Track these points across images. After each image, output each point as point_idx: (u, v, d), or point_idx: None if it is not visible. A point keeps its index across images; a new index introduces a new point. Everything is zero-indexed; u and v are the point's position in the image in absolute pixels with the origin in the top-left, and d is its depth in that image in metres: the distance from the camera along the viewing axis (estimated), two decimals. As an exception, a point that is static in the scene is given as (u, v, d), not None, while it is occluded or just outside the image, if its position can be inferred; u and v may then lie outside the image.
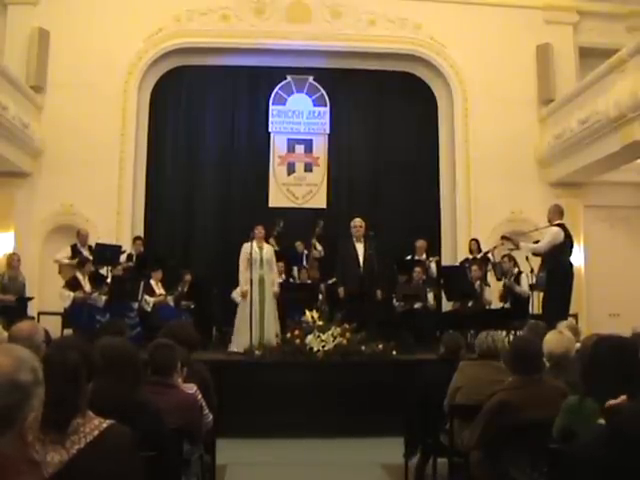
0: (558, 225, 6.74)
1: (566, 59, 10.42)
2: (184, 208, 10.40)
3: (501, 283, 8.31)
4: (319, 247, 9.52)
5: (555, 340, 3.45)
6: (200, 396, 3.26)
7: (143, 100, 10.20)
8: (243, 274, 7.37)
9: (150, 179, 10.25)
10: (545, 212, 7.10)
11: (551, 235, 6.66)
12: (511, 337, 7.34)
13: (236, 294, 7.90)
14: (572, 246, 6.89)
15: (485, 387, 3.40)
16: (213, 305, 8.70)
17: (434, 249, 9.65)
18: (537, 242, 7.16)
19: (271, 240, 8.94)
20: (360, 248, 7.51)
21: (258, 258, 7.35)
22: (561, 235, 6.65)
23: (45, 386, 1.70)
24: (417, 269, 8.62)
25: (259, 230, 7.49)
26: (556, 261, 6.66)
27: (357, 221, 7.67)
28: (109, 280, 8.05)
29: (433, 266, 9.11)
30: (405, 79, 10.76)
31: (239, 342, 7.19)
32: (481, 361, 3.78)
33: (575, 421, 2.46)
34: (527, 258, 7.92)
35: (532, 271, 7.93)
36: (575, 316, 7.97)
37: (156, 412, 2.54)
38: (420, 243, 9.26)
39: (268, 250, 7.54)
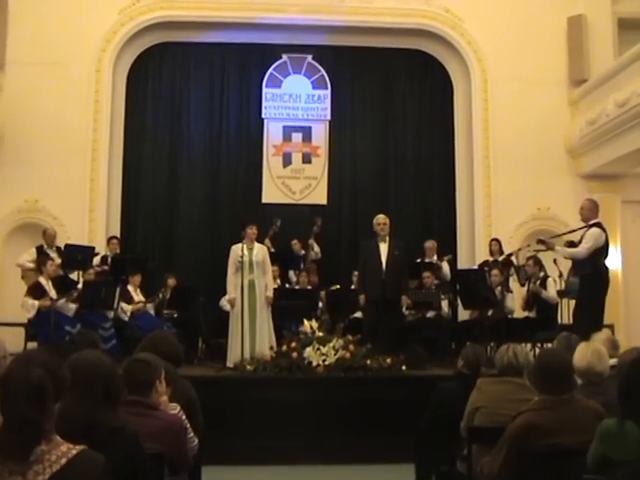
0: (596, 225, 6.69)
1: (602, 33, 10.33)
2: (166, 204, 10.39)
3: (525, 289, 8.29)
4: (316, 248, 9.51)
5: (588, 354, 3.43)
6: (184, 417, 3.25)
7: (119, 81, 10.18)
8: (231, 279, 7.34)
9: (127, 171, 10.24)
10: (576, 208, 7.07)
11: (593, 238, 6.59)
12: (537, 351, 7.34)
13: (225, 301, 7.90)
14: (608, 248, 6.85)
15: (507, 407, 3.39)
16: (199, 314, 8.67)
17: (449, 250, 9.63)
18: (571, 244, 7.12)
19: (266, 241, 8.94)
20: (384, 248, 7.46)
21: (247, 261, 7.33)
22: (603, 237, 6.61)
23: (4, 407, 1.68)
24: (427, 273, 8.62)
25: (252, 230, 7.47)
26: (590, 264, 6.61)
27: (381, 218, 7.63)
28: (80, 286, 8.02)
29: (446, 267, 9.11)
30: (416, 58, 10.76)
31: (231, 357, 7.18)
32: (502, 378, 3.77)
33: (613, 448, 2.44)
34: (555, 261, 7.90)
35: (560, 275, 7.91)
36: (611, 327, 7.95)
37: (133, 436, 2.51)
38: (429, 244, 9.25)
39: (259, 251, 7.50)
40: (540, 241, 7.22)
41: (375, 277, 7.38)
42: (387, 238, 7.53)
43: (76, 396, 2.34)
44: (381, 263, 7.40)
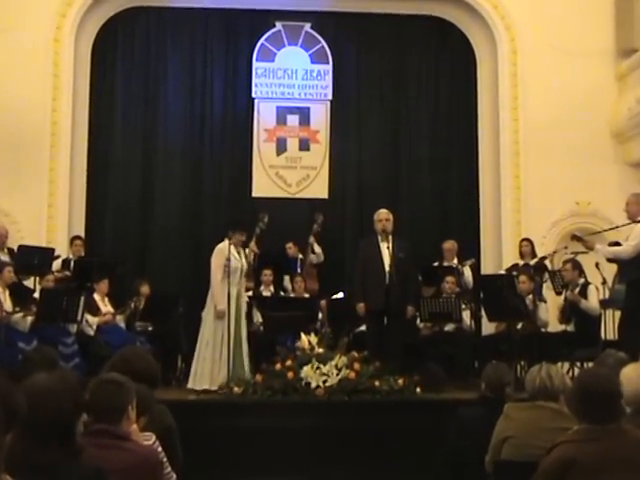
0: (645, 221, 6.72)
1: (657, -7, 10.33)
2: (139, 199, 10.41)
3: (562, 298, 8.30)
4: (317, 250, 9.51)
5: (638, 376, 3.41)
6: (160, 449, 3.24)
7: (82, 52, 10.15)
8: (219, 287, 7.33)
9: (93, 160, 10.24)
10: (623, 202, 7.06)
11: None
12: (576, 371, 7.34)
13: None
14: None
15: (541, 438, 3.39)
16: (178, 327, 8.68)
17: (471, 252, 9.63)
18: (615, 244, 7.13)
19: (252, 244, 8.94)
20: (386, 249, 7.47)
21: (239, 267, 7.35)
22: None
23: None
24: (448, 279, 8.63)
25: (243, 237, 7.56)
26: (639, 268, 6.63)
27: (382, 213, 7.66)
28: (37, 295, 8.01)
29: (468, 273, 9.14)
30: (433, 26, 10.78)
31: (212, 377, 7.17)
32: (534, 402, 3.76)
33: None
34: (597, 265, 7.89)
35: (604, 283, 7.90)
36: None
37: (99, 473, 2.51)
38: (449, 245, 9.27)
39: (244, 257, 7.63)
40: (575, 237, 7.24)
41: (378, 283, 7.40)
42: (390, 237, 7.54)
43: (34, 428, 2.32)
44: (384, 266, 7.41)
